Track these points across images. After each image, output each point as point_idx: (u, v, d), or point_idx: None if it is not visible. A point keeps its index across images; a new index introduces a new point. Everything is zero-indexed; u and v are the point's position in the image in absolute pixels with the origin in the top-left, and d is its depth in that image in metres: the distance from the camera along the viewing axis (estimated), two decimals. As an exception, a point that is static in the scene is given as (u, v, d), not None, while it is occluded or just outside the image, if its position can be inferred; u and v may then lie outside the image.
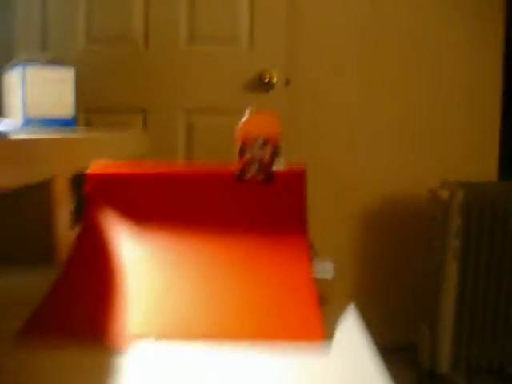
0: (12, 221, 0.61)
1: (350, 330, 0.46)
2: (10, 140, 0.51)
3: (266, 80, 2.03)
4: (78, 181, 0.62)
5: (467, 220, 1.88)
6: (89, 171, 0.56)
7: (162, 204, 0.55)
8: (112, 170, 0.56)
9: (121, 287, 0.48)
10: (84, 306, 0.46)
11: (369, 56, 2.10)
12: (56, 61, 1.00)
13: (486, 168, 2.14)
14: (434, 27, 2.08)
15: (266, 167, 0.54)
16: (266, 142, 0.50)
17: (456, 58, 2.09)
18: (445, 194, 1.93)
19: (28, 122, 0.93)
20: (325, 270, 0.56)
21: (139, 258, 0.51)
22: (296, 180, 0.56)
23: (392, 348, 1.94)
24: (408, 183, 2.14)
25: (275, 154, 0.51)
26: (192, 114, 2.08)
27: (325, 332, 0.44)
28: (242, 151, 0.51)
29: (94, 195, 0.54)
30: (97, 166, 0.56)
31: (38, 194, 0.61)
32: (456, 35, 2.08)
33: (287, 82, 2.07)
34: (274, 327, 0.44)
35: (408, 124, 2.13)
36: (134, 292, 0.47)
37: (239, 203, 0.55)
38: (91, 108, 1.99)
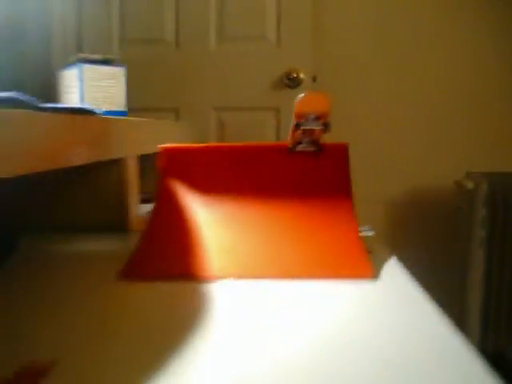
0: (90, 195, 0.70)
1: (396, 270, 0.54)
2: (96, 117, 0.59)
3: (294, 77, 2.11)
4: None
5: (492, 210, 1.93)
6: (162, 146, 0.64)
7: (225, 174, 0.63)
8: (181, 146, 0.64)
9: (198, 237, 0.56)
10: (171, 253, 0.54)
11: (393, 50, 2.16)
12: (108, 60, 1.09)
13: (510, 159, 2.18)
14: (460, 21, 2.13)
15: (315, 140, 0.62)
16: (317, 118, 0.58)
17: (480, 50, 2.13)
18: (470, 185, 1.98)
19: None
20: (366, 230, 0.63)
21: (208, 218, 0.59)
22: (341, 151, 0.64)
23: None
24: (434, 175, 2.20)
25: (325, 128, 0.58)
26: (222, 112, 2.16)
27: (374, 271, 0.52)
28: (297, 126, 0.59)
29: (167, 167, 0.63)
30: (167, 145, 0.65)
31: (113, 171, 0.69)
32: (481, 21, 2.13)
33: (314, 79, 2.14)
34: (330, 267, 0.52)
35: (433, 117, 2.18)
36: (209, 242, 0.56)
37: (292, 172, 0.63)
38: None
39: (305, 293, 0.46)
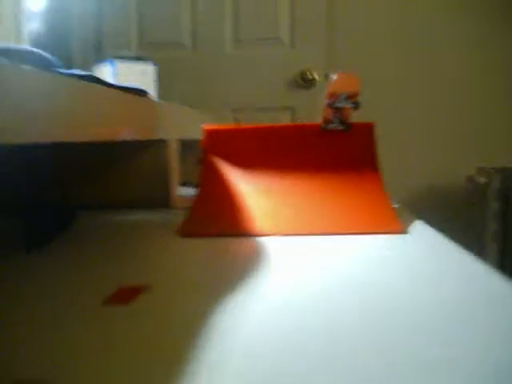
0: (136, 174, 0.76)
1: (424, 228, 0.59)
2: (147, 98, 0.65)
3: (308, 77, 2.17)
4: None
5: (504, 204, 1.98)
6: (205, 127, 0.70)
7: (262, 151, 0.69)
8: (222, 127, 0.70)
9: (243, 203, 0.62)
10: (221, 214, 0.61)
11: (406, 50, 2.21)
12: (140, 57, 1.16)
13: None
14: (471, 20, 2.18)
15: (345, 119, 0.68)
16: (348, 97, 0.63)
17: (492, 47, 2.18)
18: (482, 180, 2.03)
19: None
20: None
21: (249, 189, 0.65)
22: (368, 129, 0.70)
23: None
24: (446, 170, 2.24)
25: (356, 106, 0.64)
26: (239, 113, 2.22)
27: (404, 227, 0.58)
28: (330, 105, 0.64)
29: (209, 145, 0.69)
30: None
31: (158, 152, 0.75)
32: (493, 20, 2.18)
33: (326, 77, 2.19)
34: (364, 224, 0.58)
35: (445, 113, 2.23)
36: (253, 208, 0.61)
37: (324, 149, 0.69)
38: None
39: (343, 245, 0.52)
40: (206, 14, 2.21)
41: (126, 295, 0.35)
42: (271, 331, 0.28)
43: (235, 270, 0.43)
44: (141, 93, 0.65)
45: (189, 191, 0.95)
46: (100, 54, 2.18)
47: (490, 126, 2.22)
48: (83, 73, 0.48)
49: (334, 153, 0.68)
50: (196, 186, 0.99)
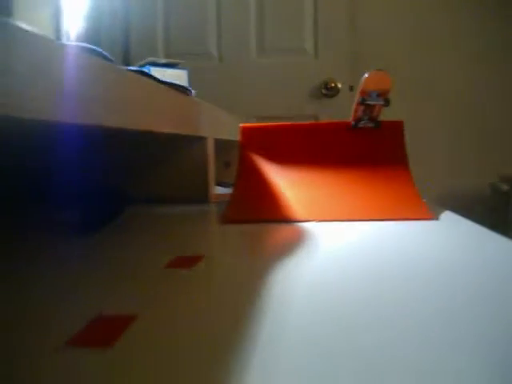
0: (177, 170, 0.81)
1: (454, 216, 0.62)
2: (189, 96, 0.70)
3: (331, 87, 2.21)
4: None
5: (527, 211, 1.99)
6: (242, 125, 0.74)
7: (297, 147, 0.73)
8: (258, 125, 0.75)
9: (281, 193, 0.66)
10: (261, 203, 0.65)
11: (427, 59, 2.25)
12: (172, 63, 1.21)
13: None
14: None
15: (375, 117, 0.72)
16: (379, 94, 0.67)
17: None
18: (504, 188, 2.04)
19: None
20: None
21: (286, 182, 0.69)
22: (398, 127, 0.74)
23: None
24: (468, 177, 2.26)
25: (386, 103, 0.68)
26: (264, 121, 2.26)
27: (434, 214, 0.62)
28: (361, 101, 0.68)
29: (246, 142, 0.73)
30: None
31: (195, 150, 0.80)
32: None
33: (351, 89, 2.23)
34: (396, 211, 0.61)
35: (468, 120, 2.25)
36: (290, 198, 0.65)
37: (354, 145, 0.73)
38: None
39: (377, 230, 0.55)
40: (232, 24, 2.27)
41: (187, 262, 0.39)
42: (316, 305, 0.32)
43: (279, 249, 0.47)
44: (186, 91, 0.69)
45: (221, 190, 0.99)
46: (127, 64, 2.25)
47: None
48: (135, 68, 0.53)
49: (364, 149, 0.72)
50: (227, 186, 1.04)
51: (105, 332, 0.25)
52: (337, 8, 2.19)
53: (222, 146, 1.10)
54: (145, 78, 0.54)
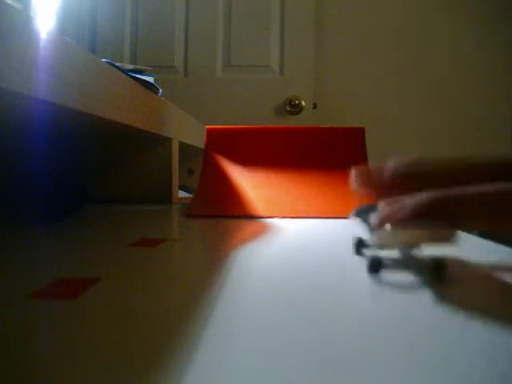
0: (141, 171, 0.81)
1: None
2: (157, 95, 0.70)
3: (295, 104, 2.25)
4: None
5: None
6: (208, 127, 0.76)
7: (260, 149, 0.75)
8: (222, 127, 0.76)
9: (244, 191, 0.67)
10: (224, 199, 0.66)
11: (393, 77, 2.30)
12: (139, 70, 1.22)
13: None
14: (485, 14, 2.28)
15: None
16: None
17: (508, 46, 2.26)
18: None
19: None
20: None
21: (248, 183, 0.70)
22: (359, 133, 0.76)
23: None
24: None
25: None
26: (228, 135, 2.28)
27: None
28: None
29: (212, 143, 0.74)
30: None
31: (160, 150, 0.80)
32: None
33: (314, 106, 2.28)
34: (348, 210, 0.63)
35: (449, 120, 2.30)
36: (253, 197, 0.67)
37: (316, 149, 0.75)
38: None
39: (334, 225, 0.57)
40: (198, 40, 2.30)
41: (150, 242, 0.40)
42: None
43: (239, 237, 0.48)
44: (154, 88, 0.70)
45: (184, 194, 0.99)
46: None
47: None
48: (106, 60, 0.53)
49: (325, 153, 0.74)
50: (190, 191, 1.04)
51: (69, 288, 0.26)
52: (303, 26, 2.24)
53: (186, 153, 1.10)
54: (116, 70, 0.55)
